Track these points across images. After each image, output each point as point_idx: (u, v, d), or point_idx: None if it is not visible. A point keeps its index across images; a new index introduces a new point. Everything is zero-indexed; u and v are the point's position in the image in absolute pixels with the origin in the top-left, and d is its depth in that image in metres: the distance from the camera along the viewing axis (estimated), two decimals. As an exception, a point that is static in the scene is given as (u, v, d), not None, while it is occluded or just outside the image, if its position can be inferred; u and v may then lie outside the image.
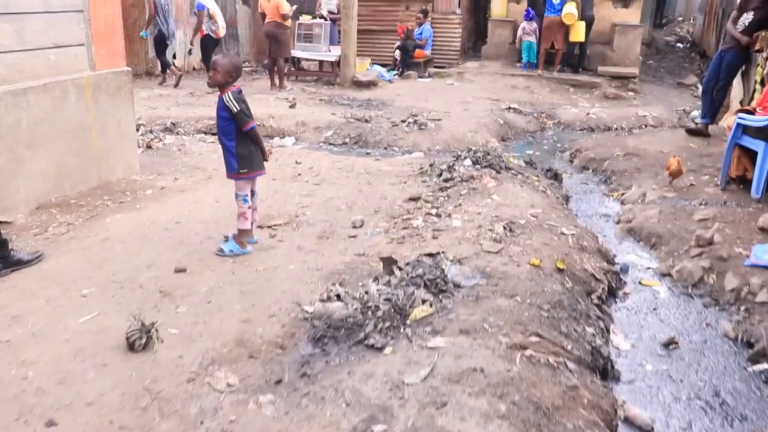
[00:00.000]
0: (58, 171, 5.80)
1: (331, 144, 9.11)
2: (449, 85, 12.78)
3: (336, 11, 13.45)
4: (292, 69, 13.50)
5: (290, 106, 10.25)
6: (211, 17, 11.95)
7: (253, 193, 4.79)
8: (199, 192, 6.28)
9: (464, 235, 4.91)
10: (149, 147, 8.07)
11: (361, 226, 5.25)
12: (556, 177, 7.16)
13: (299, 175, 6.87)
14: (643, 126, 10.54)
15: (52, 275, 4.29)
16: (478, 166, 6.40)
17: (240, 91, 4.59)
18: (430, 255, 4.22)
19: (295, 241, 4.96)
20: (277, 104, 10.56)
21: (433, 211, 5.45)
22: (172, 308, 3.92)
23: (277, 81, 12.31)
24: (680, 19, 27.31)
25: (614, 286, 4.78)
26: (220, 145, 4.79)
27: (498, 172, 6.32)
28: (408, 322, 3.59)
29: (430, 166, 6.80)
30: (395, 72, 13.86)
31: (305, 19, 13.45)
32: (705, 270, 4.93)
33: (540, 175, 6.98)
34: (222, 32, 12.26)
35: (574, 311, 3.98)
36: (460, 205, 5.63)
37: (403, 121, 9.43)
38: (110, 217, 5.48)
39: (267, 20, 11.80)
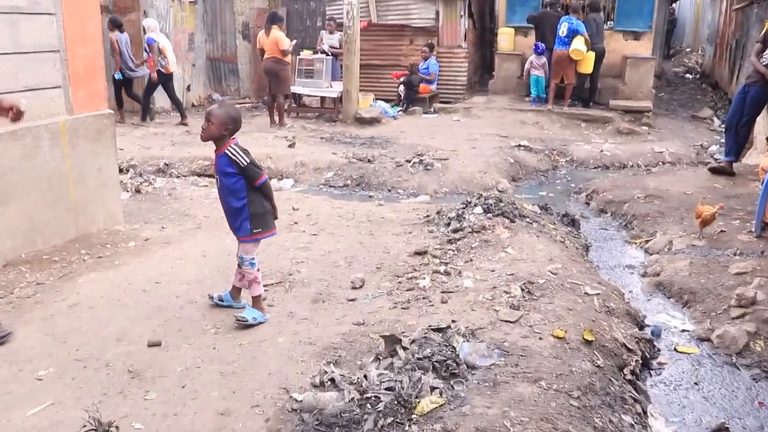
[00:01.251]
0: (30, 224, 5.30)
1: (331, 186, 8.60)
2: (456, 121, 12.29)
3: (338, 46, 13.03)
4: (293, 105, 13.07)
5: (289, 146, 9.76)
6: (161, 51, 11.58)
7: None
8: (186, 244, 5.75)
9: (477, 299, 4.35)
10: (138, 191, 7.59)
11: (361, 286, 4.70)
12: (573, 223, 6.61)
13: (295, 223, 6.34)
14: (660, 163, 10.01)
15: (6, 352, 3.75)
16: (489, 215, 5.85)
17: (239, 144, 4.03)
18: (439, 329, 3.66)
19: (287, 305, 4.41)
20: (276, 143, 10.08)
21: (442, 268, 4.89)
22: (140, 394, 3.38)
23: (276, 118, 11.85)
24: (688, 50, 26.90)
25: (648, 355, 4.21)
26: (224, 210, 4.15)
27: (512, 221, 5.77)
28: (414, 416, 3.02)
29: (438, 213, 6.26)
30: (399, 108, 13.40)
31: (306, 54, 13.05)
32: (750, 335, 4.37)
33: (557, 221, 6.43)
34: (172, 68, 11.86)
35: (607, 395, 3.42)
36: (471, 260, 5.08)
37: (408, 161, 8.92)
38: (84, 276, 4.95)
39: (266, 56, 11.38)
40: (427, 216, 6.32)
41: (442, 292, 4.49)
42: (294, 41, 12.02)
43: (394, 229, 6.05)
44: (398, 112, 13.15)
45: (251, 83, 15.43)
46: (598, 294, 4.59)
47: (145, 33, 11.68)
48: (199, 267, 5.14)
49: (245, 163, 3.94)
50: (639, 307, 4.98)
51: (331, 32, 13.41)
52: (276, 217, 4.21)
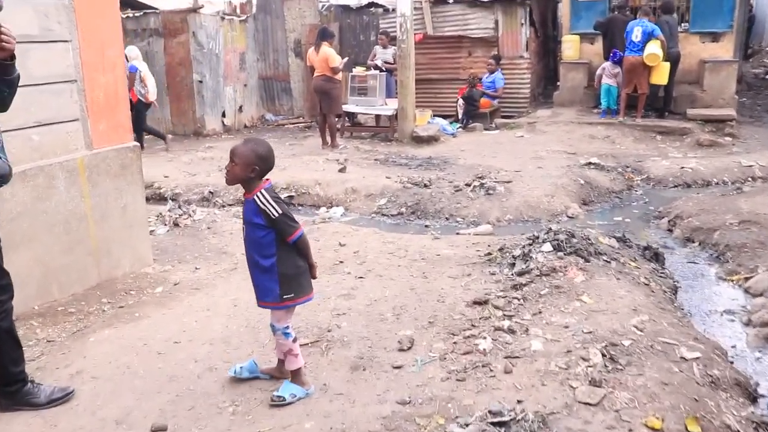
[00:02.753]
0: (44, 272, 4.80)
1: (384, 215, 7.92)
2: (519, 137, 11.45)
3: (392, 61, 12.40)
4: (347, 124, 12.48)
5: (340, 170, 9.13)
6: (141, 80, 10.98)
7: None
8: (217, 290, 5.17)
9: (548, 367, 3.58)
10: (176, 225, 7.08)
11: (409, 348, 3.97)
12: (656, 258, 5.73)
13: (341, 262, 5.68)
14: (750, 179, 8.94)
15: (-15, 443, 3.20)
16: (560, 253, 5.06)
17: (272, 188, 3.35)
18: (501, 423, 2.91)
19: (321, 374, 3.72)
20: (327, 167, 9.49)
21: (505, 324, 4.13)
22: (132, 504, 2.75)
23: (328, 139, 11.28)
24: (767, 49, 25.22)
25: (770, 444, 3.35)
26: (248, 267, 3.50)
27: (586, 261, 4.97)
28: None
29: (500, 250, 5.50)
30: (459, 124, 12.65)
31: (359, 70, 12.46)
32: None
33: (638, 257, 5.57)
34: (152, 97, 11.18)
35: None
36: (539, 312, 4.30)
37: (468, 185, 8.18)
38: (97, 333, 4.40)
39: (316, 74, 10.83)
40: (489, 254, 5.56)
41: (506, 357, 3.74)
42: (345, 58, 11.44)
43: (451, 270, 5.31)
44: (457, 129, 12.41)
45: (304, 102, 14.96)
46: (698, 358, 3.75)
47: (128, 61, 11.09)
48: (227, 320, 4.53)
49: (276, 215, 3.24)
50: (747, 369, 4.10)
51: (384, 47, 12.79)
52: (314, 276, 3.51)
